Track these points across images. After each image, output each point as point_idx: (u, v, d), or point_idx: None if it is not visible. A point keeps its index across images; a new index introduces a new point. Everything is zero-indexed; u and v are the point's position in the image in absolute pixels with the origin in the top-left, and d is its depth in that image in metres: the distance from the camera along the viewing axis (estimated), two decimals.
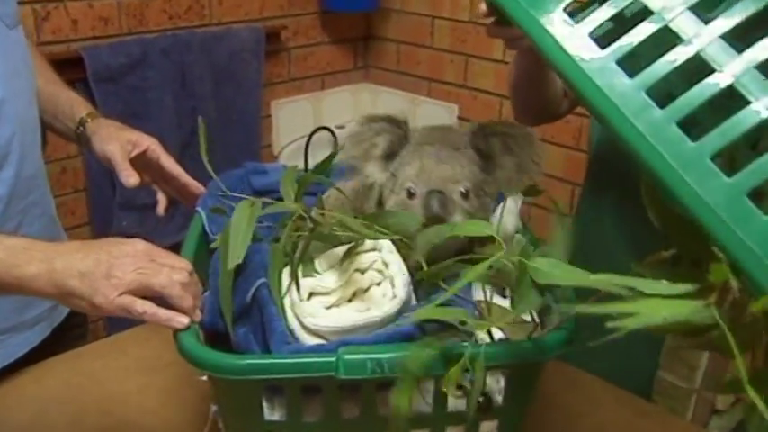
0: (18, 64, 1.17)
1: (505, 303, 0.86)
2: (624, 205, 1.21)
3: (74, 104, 1.27)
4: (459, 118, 2.61)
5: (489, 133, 0.96)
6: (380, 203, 0.99)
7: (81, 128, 1.23)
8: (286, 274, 0.88)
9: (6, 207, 1.14)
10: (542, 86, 1.23)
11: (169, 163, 1.22)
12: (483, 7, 0.91)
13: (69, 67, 1.95)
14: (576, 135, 2.32)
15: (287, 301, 0.85)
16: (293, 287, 0.86)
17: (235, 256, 0.82)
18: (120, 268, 0.83)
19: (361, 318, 0.82)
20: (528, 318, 0.85)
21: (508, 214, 1.03)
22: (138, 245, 0.87)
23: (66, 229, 1.37)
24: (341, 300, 0.86)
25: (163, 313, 0.84)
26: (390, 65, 2.81)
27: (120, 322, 0.89)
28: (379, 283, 0.86)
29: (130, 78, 2.13)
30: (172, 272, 0.85)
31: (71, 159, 2.16)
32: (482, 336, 0.82)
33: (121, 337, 1.27)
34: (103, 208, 2.19)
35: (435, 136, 0.96)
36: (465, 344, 0.75)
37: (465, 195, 0.92)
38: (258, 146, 2.51)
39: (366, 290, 0.86)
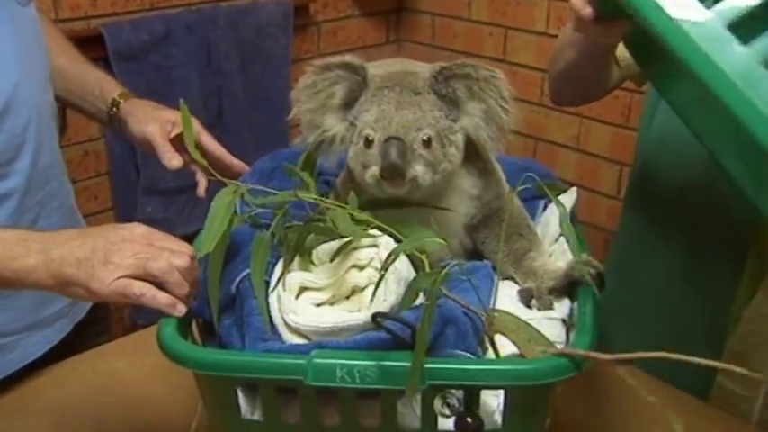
0: (32, 44, 1.10)
1: (528, 315, 0.83)
2: (667, 223, 1.17)
3: (104, 84, 1.22)
4: None
5: (449, 76, 0.88)
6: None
7: (114, 109, 1.19)
8: (281, 266, 0.85)
9: (23, 199, 1.09)
10: (602, 73, 1.16)
11: (210, 142, 1.17)
12: (588, 10, 0.84)
13: (89, 46, 1.85)
14: (626, 112, 2.19)
15: (274, 295, 0.82)
16: (282, 280, 0.83)
17: (207, 245, 0.80)
18: (117, 254, 0.82)
19: (344, 319, 0.78)
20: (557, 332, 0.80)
21: (554, 214, 0.97)
22: (137, 229, 0.86)
23: (89, 214, 1.32)
24: (336, 298, 0.82)
25: (162, 297, 0.83)
26: (425, 38, 2.69)
27: (146, 313, 0.86)
28: (374, 283, 0.80)
29: (153, 56, 2.05)
30: (172, 256, 0.83)
31: (93, 142, 2.09)
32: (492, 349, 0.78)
33: (146, 333, 1.20)
34: (127, 192, 2.13)
35: (395, 79, 0.89)
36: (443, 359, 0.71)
37: (427, 143, 0.85)
38: (287, 126, 2.40)
39: (363, 289, 0.82)
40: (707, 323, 1.12)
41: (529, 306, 0.88)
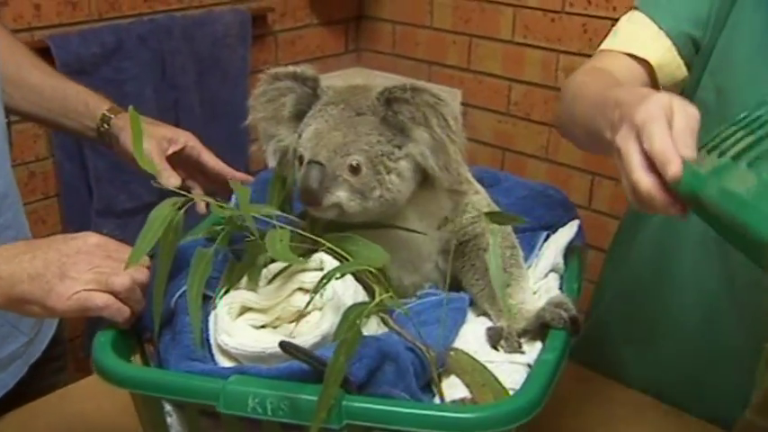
0: None
1: (491, 356, 0.79)
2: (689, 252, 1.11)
3: (88, 100, 1.15)
4: (464, 104, 2.43)
5: (391, 99, 0.81)
6: None
7: (105, 125, 1.13)
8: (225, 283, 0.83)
9: None
10: None
11: (210, 159, 1.13)
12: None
13: None
14: None
15: (213, 314, 0.80)
16: (224, 298, 0.80)
17: (134, 258, 0.77)
18: (74, 267, 0.79)
19: (272, 345, 0.73)
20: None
21: (549, 248, 0.92)
22: (90, 238, 0.83)
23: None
24: (282, 321, 0.79)
25: (126, 310, 0.81)
26: (385, 47, 2.62)
27: None
28: (321, 308, 0.78)
29: (104, 70, 1.95)
30: (134, 271, 0.80)
31: (40, 162, 1.98)
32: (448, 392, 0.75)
33: None
34: (79, 215, 2.01)
35: (344, 95, 0.84)
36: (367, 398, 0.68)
37: (354, 169, 0.80)
38: (246, 141, 2.32)
39: (309, 314, 0.78)
40: (736, 352, 1.07)
41: (495, 347, 0.82)
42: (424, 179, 0.85)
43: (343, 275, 0.76)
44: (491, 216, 0.81)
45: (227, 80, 2.22)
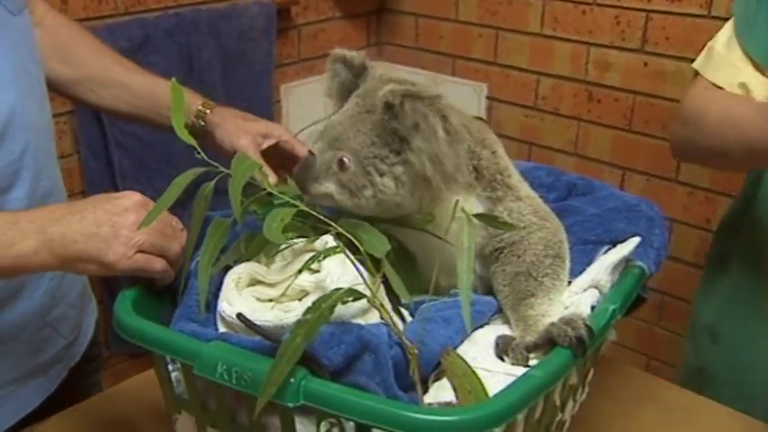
0: (26, 58, 0.97)
1: (492, 365, 0.77)
2: None
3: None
4: (489, 98, 2.39)
5: (388, 104, 0.79)
6: None
7: (200, 121, 1.12)
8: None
9: None
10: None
11: (303, 151, 1.09)
12: None
13: None
14: (628, 115, 2.12)
15: (225, 281, 0.81)
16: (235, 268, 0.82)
17: (147, 220, 0.79)
18: (125, 225, 0.81)
19: (264, 319, 0.75)
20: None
21: (596, 262, 0.87)
22: (134, 196, 0.84)
23: None
24: (290, 298, 0.79)
25: (173, 274, 0.85)
26: (408, 41, 2.58)
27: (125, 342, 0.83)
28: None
29: None
30: (182, 236, 0.85)
31: (65, 159, 1.93)
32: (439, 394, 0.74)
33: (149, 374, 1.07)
34: None
35: (368, 89, 0.84)
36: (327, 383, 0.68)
37: (342, 165, 0.81)
38: None
39: (311, 294, 0.79)
40: None
41: (501, 357, 0.79)
42: None
43: (327, 256, 0.77)
44: (480, 218, 0.78)
45: (253, 74, 2.18)
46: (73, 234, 0.80)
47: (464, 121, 0.84)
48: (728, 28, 1.14)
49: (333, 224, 0.79)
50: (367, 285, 0.76)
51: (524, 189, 0.89)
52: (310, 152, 0.84)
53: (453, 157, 0.78)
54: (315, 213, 0.80)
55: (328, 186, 0.82)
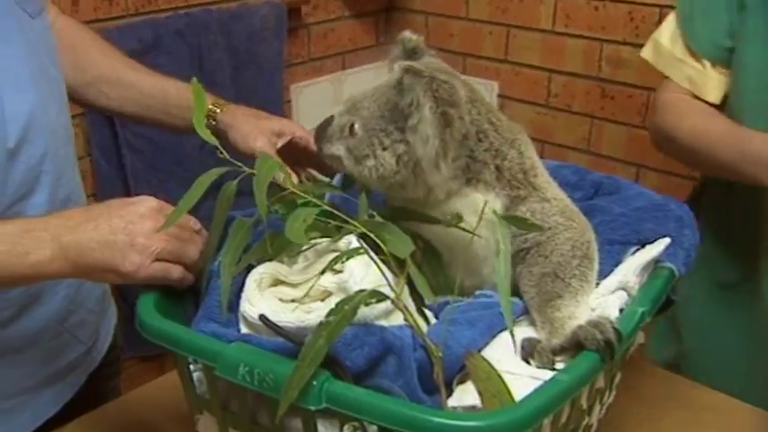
0: (45, 61, 0.96)
1: (517, 368, 0.75)
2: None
3: (190, 95, 1.07)
4: (500, 96, 2.38)
5: (398, 80, 0.80)
6: None
7: (212, 121, 1.09)
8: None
9: None
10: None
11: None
12: None
13: None
14: (642, 111, 2.10)
15: (247, 281, 0.80)
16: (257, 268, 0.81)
17: (169, 221, 0.79)
18: (141, 233, 0.80)
19: (287, 320, 0.74)
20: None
21: (624, 263, 0.85)
22: (148, 202, 0.83)
23: None
24: (310, 298, 0.78)
25: (191, 278, 0.84)
26: None
27: (138, 345, 0.86)
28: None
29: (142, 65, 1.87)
30: (199, 239, 0.84)
31: (77, 161, 1.90)
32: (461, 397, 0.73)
33: (171, 377, 1.05)
34: None
35: (401, 68, 0.83)
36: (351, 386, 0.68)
37: (351, 130, 0.83)
38: None
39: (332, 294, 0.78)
40: None
41: (527, 360, 0.78)
42: (469, 178, 0.82)
43: (350, 257, 0.76)
44: (506, 219, 0.78)
45: (263, 74, 2.17)
46: (88, 242, 0.79)
47: (492, 119, 0.83)
48: (671, 21, 1.24)
49: (356, 224, 0.78)
50: (390, 287, 0.74)
51: (552, 190, 0.87)
52: (331, 116, 0.86)
53: (438, 141, 0.78)
54: (338, 213, 0.79)
55: (339, 148, 0.85)
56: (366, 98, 0.84)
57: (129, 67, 1.15)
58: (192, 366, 0.81)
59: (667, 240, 0.86)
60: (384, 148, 0.81)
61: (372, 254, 0.77)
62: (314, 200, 0.80)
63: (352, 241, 0.79)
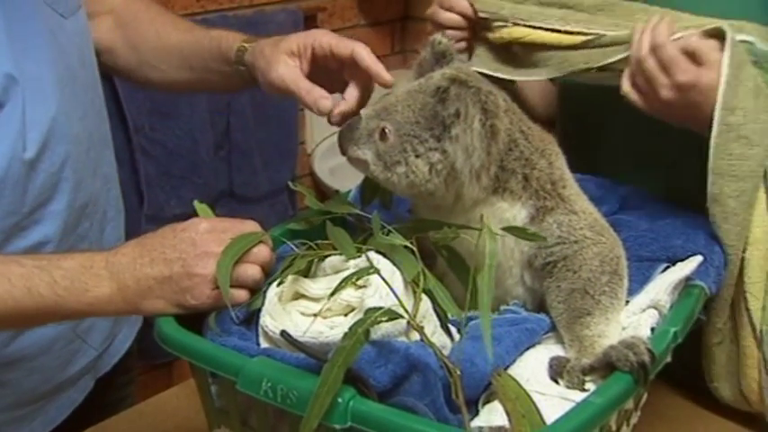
0: (74, 64, 0.95)
1: (546, 388, 0.74)
2: None
3: (222, 40, 1.03)
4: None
5: (440, 88, 0.78)
6: None
7: (242, 66, 0.99)
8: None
9: (58, 247, 0.94)
10: None
11: (344, 46, 0.91)
12: None
13: None
14: None
15: (268, 295, 0.80)
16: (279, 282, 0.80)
17: (225, 291, 0.78)
18: (198, 263, 0.78)
19: (307, 335, 0.73)
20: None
21: (655, 281, 0.83)
22: (200, 225, 0.81)
23: None
24: (334, 313, 0.78)
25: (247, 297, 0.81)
26: None
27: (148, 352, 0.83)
28: None
29: None
30: (259, 253, 0.81)
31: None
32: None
33: (187, 386, 1.09)
34: (130, 220, 1.92)
35: (439, 73, 0.83)
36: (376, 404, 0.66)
37: (383, 135, 0.81)
38: (296, 143, 2.27)
39: (354, 309, 0.77)
40: None
41: (555, 379, 0.76)
42: (497, 187, 0.81)
43: (360, 277, 0.76)
44: (507, 230, 0.76)
45: None
46: (146, 280, 0.78)
47: (523, 128, 0.82)
48: None
49: (363, 247, 0.79)
50: (402, 306, 0.73)
51: (581, 203, 0.86)
52: (360, 119, 0.83)
53: (483, 153, 0.77)
54: (339, 241, 0.79)
55: (366, 153, 0.82)
56: (399, 102, 0.82)
57: (173, 27, 1.09)
58: (210, 379, 0.80)
59: (700, 258, 0.85)
60: (417, 156, 0.80)
61: (382, 275, 0.75)
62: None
63: (372, 257, 0.78)
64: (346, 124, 0.85)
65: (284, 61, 0.91)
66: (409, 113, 0.80)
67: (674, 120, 0.91)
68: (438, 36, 0.86)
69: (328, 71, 0.92)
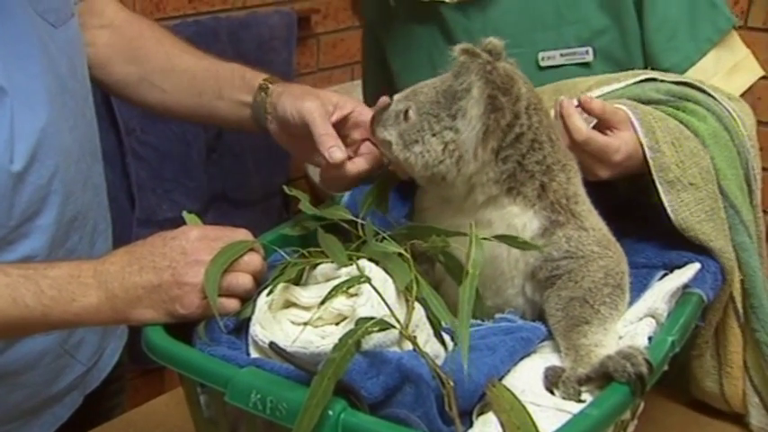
0: (64, 73, 0.92)
1: (541, 398, 0.72)
2: None
3: (245, 73, 1.04)
4: None
5: (456, 56, 0.78)
6: None
7: (263, 93, 0.99)
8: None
9: (47, 259, 0.91)
10: None
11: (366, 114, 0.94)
12: None
13: None
14: None
15: (258, 304, 0.79)
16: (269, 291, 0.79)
17: (213, 300, 0.76)
18: (188, 271, 0.77)
19: (297, 345, 0.71)
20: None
21: (652, 289, 0.82)
22: (190, 233, 0.79)
23: None
24: (325, 321, 0.76)
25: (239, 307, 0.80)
26: None
27: (139, 358, 0.82)
28: None
29: None
30: (251, 263, 0.79)
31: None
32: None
33: (176, 394, 1.08)
34: (121, 224, 1.91)
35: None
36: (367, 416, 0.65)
37: (405, 115, 0.83)
38: None
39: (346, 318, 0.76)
40: None
41: (551, 390, 0.75)
42: (511, 187, 0.80)
43: (351, 286, 0.74)
44: (499, 238, 0.76)
45: None
46: (135, 289, 0.77)
47: (552, 136, 0.81)
48: None
49: (356, 254, 0.78)
50: (393, 316, 0.71)
51: (591, 219, 0.84)
52: (389, 103, 0.85)
53: (480, 125, 0.76)
54: (331, 249, 0.79)
55: (391, 134, 0.84)
56: (426, 84, 0.83)
57: (183, 51, 1.09)
58: (198, 389, 0.78)
59: (697, 266, 0.84)
60: (433, 134, 0.80)
61: (373, 285, 0.74)
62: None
63: (365, 265, 0.77)
64: (377, 106, 0.87)
65: (316, 100, 0.92)
66: (432, 93, 0.81)
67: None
68: (488, 39, 0.84)
69: (349, 129, 0.94)
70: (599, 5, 1.06)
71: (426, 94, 0.82)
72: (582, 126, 0.85)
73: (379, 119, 0.85)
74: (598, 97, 0.94)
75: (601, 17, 1.06)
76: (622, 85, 0.97)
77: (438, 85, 0.81)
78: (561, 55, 1.07)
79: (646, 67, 1.06)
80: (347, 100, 0.95)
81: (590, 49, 1.07)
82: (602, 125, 0.88)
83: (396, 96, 0.85)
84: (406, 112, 0.82)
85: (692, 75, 1.03)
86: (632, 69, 1.03)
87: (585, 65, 1.07)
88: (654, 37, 1.05)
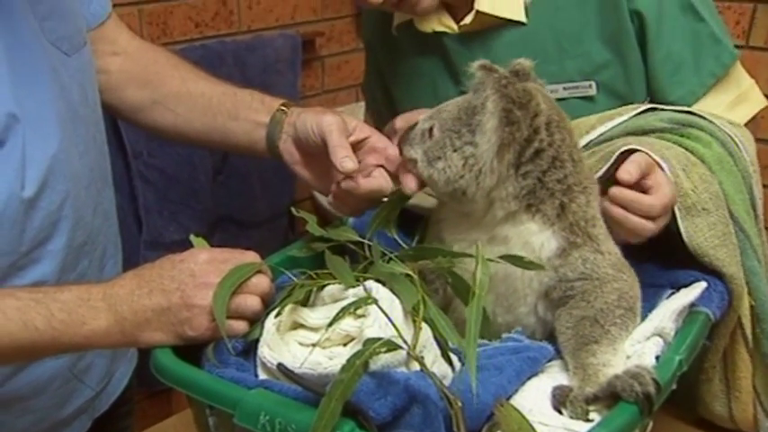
0: (76, 101, 0.92)
1: (549, 418, 0.72)
2: None
3: (264, 98, 1.06)
4: None
5: (473, 71, 0.81)
6: None
7: (281, 114, 1.01)
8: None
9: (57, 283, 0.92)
10: None
11: (395, 152, 0.94)
12: None
13: None
14: None
15: (266, 325, 0.79)
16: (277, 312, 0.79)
17: (221, 323, 0.77)
18: (196, 294, 0.77)
19: (305, 366, 0.72)
20: None
21: (659, 308, 0.83)
22: (199, 256, 0.80)
23: None
24: (333, 342, 0.77)
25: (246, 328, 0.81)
26: None
27: (146, 379, 0.84)
28: None
29: None
30: (259, 286, 0.80)
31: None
32: None
33: (184, 416, 1.08)
34: (128, 246, 1.91)
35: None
36: None
37: (429, 133, 0.85)
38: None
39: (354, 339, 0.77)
40: None
41: (559, 409, 0.75)
42: (530, 204, 0.81)
43: (357, 308, 0.75)
44: (509, 259, 0.76)
45: None
46: (144, 312, 0.78)
47: (574, 156, 0.82)
48: None
49: (362, 275, 0.79)
50: (401, 337, 0.72)
51: (607, 244, 0.85)
52: (415, 124, 0.88)
53: (495, 138, 0.77)
54: (338, 270, 0.79)
55: (417, 152, 0.85)
56: (450, 102, 0.85)
57: (199, 77, 1.10)
58: (207, 411, 0.78)
59: (704, 285, 0.84)
60: (454, 150, 0.81)
61: (380, 306, 0.74)
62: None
63: (373, 287, 0.77)
64: (408, 126, 0.89)
65: (336, 117, 0.93)
66: (454, 111, 0.83)
67: None
68: (516, 61, 0.85)
69: (367, 153, 0.95)
70: (601, 40, 1.06)
71: (449, 112, 0.83)
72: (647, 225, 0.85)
73: (406, 138, 0.87)
74: (602, 133, 0.95)
75: (603, 51, 1.06)
76: (625, 118, 0.98)
77: (460, 102, 0.83)
78: (564, 89, 1.07)
79: (649, 101, 1.06)
80: (366, 126, 0.97)
81: (593, 83, 1.07)
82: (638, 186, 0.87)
83: (422, 116, 0.87)
84: (431, 129, 0.84)
85: (696, 108, 1.04)
86: (633, 104, 1.04)
87: (589, 98, 1.08)
88: (658, 71, 1.06)
